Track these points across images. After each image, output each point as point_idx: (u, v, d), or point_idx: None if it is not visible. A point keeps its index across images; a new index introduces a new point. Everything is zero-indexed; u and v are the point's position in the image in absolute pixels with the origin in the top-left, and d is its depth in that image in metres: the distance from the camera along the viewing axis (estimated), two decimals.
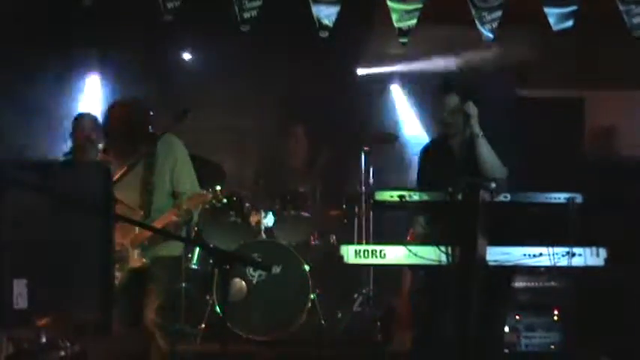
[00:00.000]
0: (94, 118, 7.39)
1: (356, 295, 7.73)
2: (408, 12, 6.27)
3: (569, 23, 6.17)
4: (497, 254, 4.49)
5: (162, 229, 5.05)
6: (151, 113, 7.41)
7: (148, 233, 5.06)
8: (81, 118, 7.30)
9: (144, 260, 5.12)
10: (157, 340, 5.16)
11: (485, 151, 4.96)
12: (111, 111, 5.34)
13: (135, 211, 5.15)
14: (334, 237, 8.09)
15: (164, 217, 5.13)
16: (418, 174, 5.49)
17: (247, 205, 7.81)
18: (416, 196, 4.50)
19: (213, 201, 7.52)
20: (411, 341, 5.62)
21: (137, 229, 5.09)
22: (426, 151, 5.53)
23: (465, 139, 5.15)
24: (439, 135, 5.56)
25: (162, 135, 5.29)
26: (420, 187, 5.35)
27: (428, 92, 7.29)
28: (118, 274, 5.09)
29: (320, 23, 6.26)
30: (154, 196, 5.22)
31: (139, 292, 5.20)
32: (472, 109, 5.05)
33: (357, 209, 8.04)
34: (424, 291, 5.18)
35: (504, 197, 4.43)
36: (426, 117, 8.99)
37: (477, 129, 4.98)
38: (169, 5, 6.17)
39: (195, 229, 7.63)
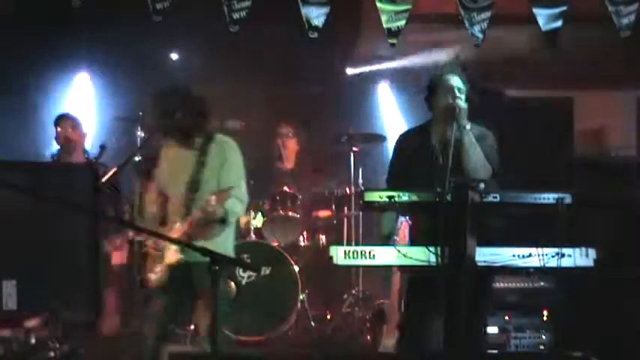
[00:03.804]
0: (74, 119, 7.38)
1: (345, 296, 7.72)
2: (397, 13, 6.27)
3: (559, 23, 6.18)
4: (487, 255, 4.48)
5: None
6: (140, 113, 7.44)
7: (187, 230, 5.10)
8: (60, 119, 7.30)
9: (180, 256, 5.11)
10: (146, 341, 5.17)
11: (469, 146, 4.88)
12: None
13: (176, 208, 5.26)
14: (323, 238, 8.08)
15: (191, 217, 5.15)
16: (391, 161, 5.34)
17: None
18: (405, 197, 4.47)
19: None
20: (398, 342, 5.59)
21: (178, 224, 5.15)
22: (404, 138, 5.35)
23: (446, 133, 5.00)
24: (419, 125, 5.36)
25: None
26: (391, 175, 5.26)
27: (417, 91, 7.25)
28: (157, 269, 5.12)
29: (309, 24, 6.26)
30: (198, 193, 5.24)
31: (181, 290, 5.23)
32: (461, 102, 4.93)
33: (346, 210, 8.04)
34: (412, 292, 5.15)
35: (494, 198, 4.42)
36: (414, 117, 8.97)
37: (464, 122, 4.89)
38: (158, 6, 6.15)
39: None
